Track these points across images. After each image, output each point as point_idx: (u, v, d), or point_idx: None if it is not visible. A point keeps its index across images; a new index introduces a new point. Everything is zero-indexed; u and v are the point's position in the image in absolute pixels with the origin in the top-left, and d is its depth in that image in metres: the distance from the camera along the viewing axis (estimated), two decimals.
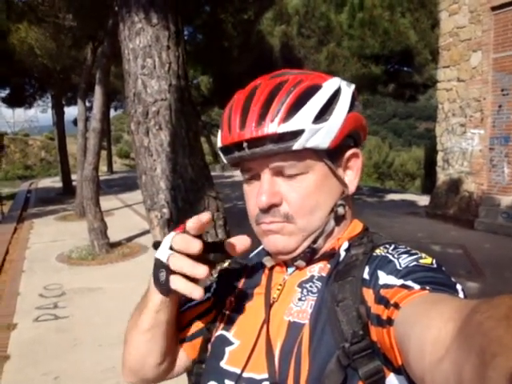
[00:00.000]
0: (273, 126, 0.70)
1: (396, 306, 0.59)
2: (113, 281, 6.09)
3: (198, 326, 0.89)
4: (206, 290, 0.93)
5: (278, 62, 11.50)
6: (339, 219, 0.79)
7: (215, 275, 0.96)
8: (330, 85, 0.75)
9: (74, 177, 13.58)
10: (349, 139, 0.78)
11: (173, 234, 0.71)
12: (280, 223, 0.75)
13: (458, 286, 0.62)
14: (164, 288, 0.71)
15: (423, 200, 11.68)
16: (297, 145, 0.70)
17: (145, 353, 0.85)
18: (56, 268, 6.81)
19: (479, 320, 0.41)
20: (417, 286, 0.60)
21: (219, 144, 0.79)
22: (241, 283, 0.88)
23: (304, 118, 0.71)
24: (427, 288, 0.59)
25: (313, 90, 0.73)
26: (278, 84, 0.74)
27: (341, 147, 0.76)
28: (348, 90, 0.77)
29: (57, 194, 15.44)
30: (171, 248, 0.69)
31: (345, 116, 0.74)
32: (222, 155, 0.81)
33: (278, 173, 0.74)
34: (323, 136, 0.72)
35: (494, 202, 8.23)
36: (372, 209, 11.07)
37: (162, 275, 0.70)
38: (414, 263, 0.67)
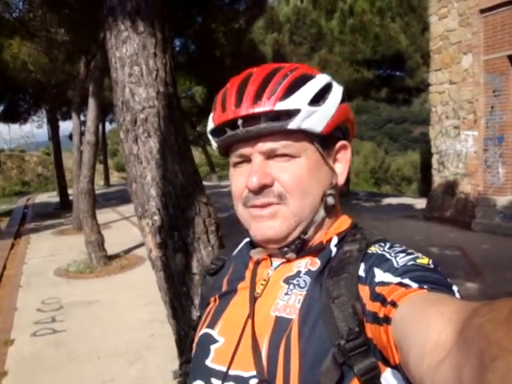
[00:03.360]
0: (269, 104, 0.70)
1: (393, 304, 0.58)
2: (110, 293, 6.05)
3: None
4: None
5: None
6: (329, 210, 0.78)
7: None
8: (323, 77, 0.77)
9: (70, 191, 13.53)
10: (338, 131, 0.78)
11: None
12: (273, 205, 0.74)
13: (455, 287, 0.62)
14: None
15: (420, 203, 11.69)
16: (292, 124, 0.71)
17: None
18: (54, 282, 6.77)
19: (479, 323, 0.40)
20: (414, 285, 0.60)
21: (211, 126, 0.78)
22: (225, 280, 0.87)
23: (300, 98, 0.72)
24: (425, 287, 0.58)
25: (308, 77, 0.75)
26: (275, 69, 0.76)
27: (331, 137, 0.77)
28: (339, 87, 0.79)
29: (54, 209, 15.39)
30: None
31: (337, 105, 0.76)
32: (212, 139, 0.80)
33: (270, 156, 0.74)
34: (318, 119, 0.73)
35: (490, 203, 8.24)
36: (369, 213, 11.07)
37: None
38: (412, 262, 0.66)
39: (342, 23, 11.02)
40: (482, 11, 8.11)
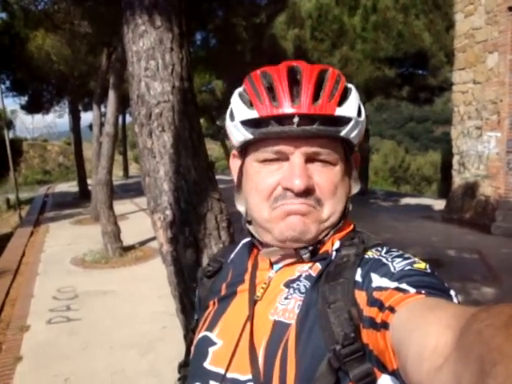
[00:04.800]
0: (330, 107, 0.70)
1: (391, 309, 0.58)
2: (125, 284, 6.13)
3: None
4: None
5: None
6: (347, 215, 0.80)
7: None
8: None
9: (90, 181, 13.72)
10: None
11: None
12: (311, 207, 0.73)
13: (452, 292, 0.61)
14: None
15: (439, 204, 11.51)
16: (344, 132, 0.72)
17: None
18: (70, 271, 6.88)
19: (478, 328, 0.40)
20: (412, 290, 0.59)
21: (253, 115, 0.72)
22: (224, 284, 0.86)
23: (352, 107, 0.73)
24: (423, 292, 0.58)
25: (349, 86, 0.76)
26: (323, 69, 0.75)
27: (354, 147, 0.80)
28: None
29: (73, 199, 15.62)
30: None
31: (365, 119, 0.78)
32: (246, 129, 0.73)
33: (309, 159, 0.73)
34: (358, 131, 0.75)
35: (511, 206, 8.06)
36: (387, 213, 10.96)
37: None
38: (409, 267, 0.65)
39: (364, 20, 10.89)
40: (511, 9, 7.89)
